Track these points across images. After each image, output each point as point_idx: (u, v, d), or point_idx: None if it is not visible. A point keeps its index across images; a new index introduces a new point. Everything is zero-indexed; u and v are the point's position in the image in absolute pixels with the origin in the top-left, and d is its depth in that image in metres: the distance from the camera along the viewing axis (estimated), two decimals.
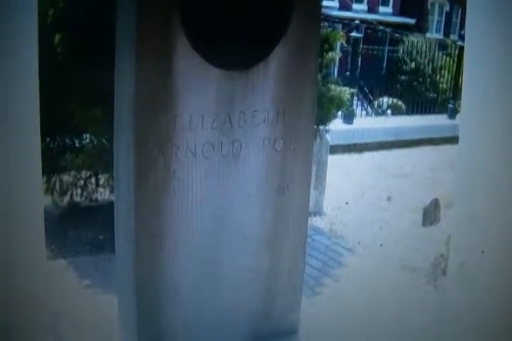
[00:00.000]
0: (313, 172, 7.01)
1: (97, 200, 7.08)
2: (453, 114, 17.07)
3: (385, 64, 23.14)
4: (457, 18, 36.37)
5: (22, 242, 2.99)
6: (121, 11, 3.82)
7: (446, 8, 37.60)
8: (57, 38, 5.95)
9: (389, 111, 18.48)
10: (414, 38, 24.46)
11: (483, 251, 3.27)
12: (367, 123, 15.35)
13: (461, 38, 18.09)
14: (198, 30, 3.67)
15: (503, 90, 3.26)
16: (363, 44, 18.59)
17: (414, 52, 22.98)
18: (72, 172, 6.91)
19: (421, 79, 22.54)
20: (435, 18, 37.73)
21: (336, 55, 8.53)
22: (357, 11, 31.31)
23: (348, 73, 17.48)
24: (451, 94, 19.27)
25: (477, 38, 3.47)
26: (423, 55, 22.98)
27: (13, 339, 2.94)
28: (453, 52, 21.06)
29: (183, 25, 3.63)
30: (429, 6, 37.29)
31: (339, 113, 11.56)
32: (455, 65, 19.77)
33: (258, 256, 4.30)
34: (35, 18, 3.11)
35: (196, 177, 3.88)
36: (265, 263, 4.32)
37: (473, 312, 3.31)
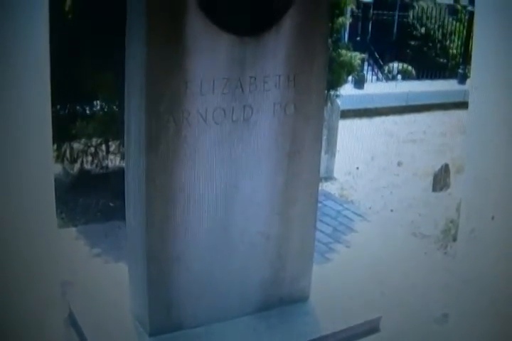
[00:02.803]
0: (324, 137, 6.97)
1: (107, 167, 7.07)
2: (463, 79, 16.96)
3: (395, 29, 22.96)
4: None
5: (32, 210, 2.98)
6: None
7: None
8: (68, 3, 5.92)
9: (399, 76, 18.36)
10: (424, 4, 24.25)
11: (493, 217, 3.25)
12: (377, 88, 15.27)
13: (471, 2, 17.91)
14: None
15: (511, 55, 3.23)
16: (373, 9, 18.39)
17: (425, 17, 22.79)
18: (83, 140, 6.89)
19: (431, 45, 22.39)
20: None
21: (347, 20, 8.48)
22: None
23: (358, 38, 17.34)
24: (461, 60, 19.12)
25: (486, 3, 3.43)
26: (433, 21, 22.80)
27: (24, 309, 2.94)
28: (463, 17, 20.91)
29: None
30: None
31: (350, 78, 11.48)
32: (465, 30, 19.62)
33: (269, 221, 4.29)
34: None
35: (207, 143, 3.87)
36: (276, 228, 4.32)
37: (484, 278, 3.30)
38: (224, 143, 3.93)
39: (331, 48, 6.94)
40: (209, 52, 3.75)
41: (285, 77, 3.99)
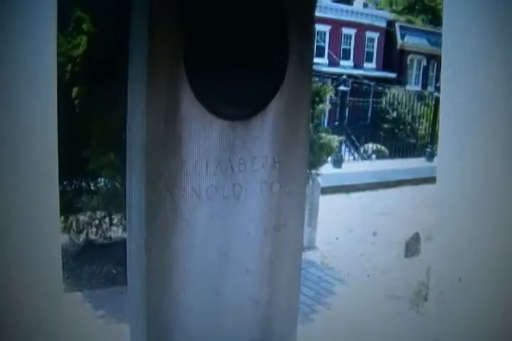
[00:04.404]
0: (307, 211, 7.03)
1: (110, 238, 7.07)
2: (431, 156, 17.13)
3: (369, 114, 23.30)
4: (433, 71, 36.60)
5: (41, 276, 2.99)
6: (132, 67, 3.86)
7: (424, 63, 37.83)
8: (74, 90, 6.00)
9: (374, 156, 18.54)
10: (395, 91, 24.62)
11: (459, 279, 3.28)
12: (354, 166, 15.41)
13: (437, 89, 18.19)
14: (201, 85, 3.70)
15: (474, 135, 3.30)
16: (350, 96, 18.67)
17: (396, 103, 23.13)
18: (88, 213, 6.91)
19: (402, 127, 22.66)
20: (414, 72, 37.97)
21: (326, 106, 8.59)
22: (344, 67, 31.60)
23: (336, 123, 17.55)
24: (429, 140, 19.34)
25: (451, 90, 3.52)
26: (403, 106, 23.13)
27: None
28: (430, 102, 21.21)
29: (189, 79, 3.66)
30: (408, 62, 37.56)
31: (329, 158, 11.59)
32: (432, 113, 19.88)
33: (257, 287, 4.28)
34: (55, 73, 3.14)
35: (201, 217, 3.89)
36: (264, 293, 4.31)
37: (454, 335, 3.31)
38: (216, 216, 3.95)
39: (311, 132, 7.01)
40: (203, 135, 3.79)
41: (271, 158, 4.04)
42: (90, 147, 6.10)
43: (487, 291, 3.32)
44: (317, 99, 7.55)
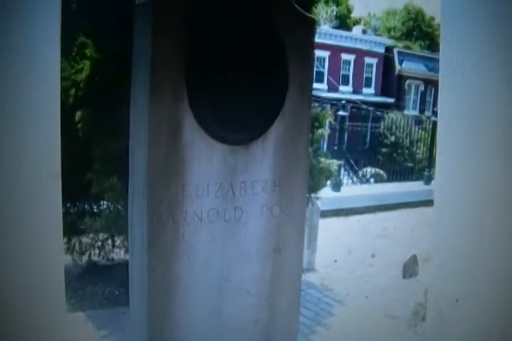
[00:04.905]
0: (306, 234, 7.04)
1: (113, 259, 7.07)
2: (428, 180, 17.18)
3: (368, 138, 23.36)
4: (431, 96, 36.74)
5: (44, 297, 2.99)
6: (134, 92, 3.88)
7: (421, 88, 38.00)
8: (78, 114, 6.03)
9: (372, 180, 18.56)
10: (393, 115, 24.73)
11: (457, 300, 3.29)
12: (353, 190, 15.43)
13: (435, 114, 18.25)
14: (203, 110, 3.72)
15: (470, 159, 3.32)
16: (348, 121, 18.74)
17: (394, 127, 23.20)
18: (91, 235, 6.93)
19: (400, 151, 22.71)
20: (411, 97, 38.15)
21: (325, 131, 8.64)
22: (343, 93, 31.71)
23: (335, 147, 17.60)
24: (426, 163, 19.37)
25: (448, 114, 3.54)
26: (401, 130, 23.20)
27: None
28: (427, 126, 21.27)
29: (191, 104, 3.68)
30: (406, 87, 37.72)
31: (328, 182, 11.63)
32: (429, 137, 19.92)
33: (258, 308, 4.28)
34: (58, 97, 3.16)
35: (202, 240, 3.89)
36: (264, 314, 4.30)
37: None
38: (217, 239, 3.96)
39: (311, 156, 7.04)
40: (204, 160, 3.81)
41: (271, 182, 4.06)
42: (93, 170, 6.12)
43: (484, 312, 3.34)
44: (316, 124, 7.59)
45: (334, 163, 8.12)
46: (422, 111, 35.93)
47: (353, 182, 18.30)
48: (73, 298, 6.33)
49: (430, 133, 19.80)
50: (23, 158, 2.97)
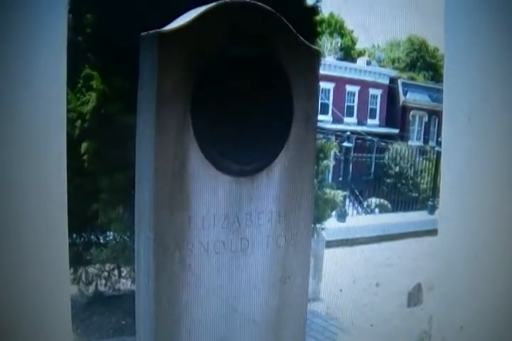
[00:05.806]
0: (312, 264, 7.04)
1: (119, 290, 7.07)
2: (432, 209, 17.13)
3: (372, 169, 23.32)
4: (435, 127, 36.75)
5: (51, 326, 2.99)
6: (140, 124, 3.90)
7: (425, 119, 38.00)
8: (84, 146, 6.05)
9: (377, 210, 18.53)
10: (397, 146, 24.74)
11: (461, 327, 3.29)
12: (358, 220, 15.41)
13: (438, 144, 18.28)
14: (208, 143, 3.74)
15: (474, 188, 3.33)
16: (353, 152, 18.76)
17: (398, 158, 23.19)
18: (97, 265, 6.92)
19: (404, 181, 22.68)
20: (415, 128, 38.12)
21: (330, 162, 8.68)
22: (348, 124, 31.76)
23: (340, 178, 17.60)
24: (430, 193, 19.35)
25: (451, 145, 3.56)
26: (406, 160, 23.19)
27: None
28: (431, 156, 21.29)
29: (196, 137, 3.70)
30: (410, 118, 37.75)
31: (333, 213, 11.62)
32: (433, 167, 19.94)
33: (264, 337, 4.27)
34: (64, 129, 3.19)
35: (209, 270, 3.89)
36: None
37: None
38: (223, 270, 3.96)
39: (316, 187, 7.05)
40: (209, 192, 3.82)
41: (276, 213, 4.06)
42: (99, 201, 6.13)
43: (488, 339, 3.33)
44: (321, 155, 7.62)
45: (339, 194, 8.12)
46: (426, 141, 35.95)
47: (357, 212, 18.27)
48: (80, 328, 6.32)
49: (434, 163, 19.84)
50: (30, 188, 2.99)
